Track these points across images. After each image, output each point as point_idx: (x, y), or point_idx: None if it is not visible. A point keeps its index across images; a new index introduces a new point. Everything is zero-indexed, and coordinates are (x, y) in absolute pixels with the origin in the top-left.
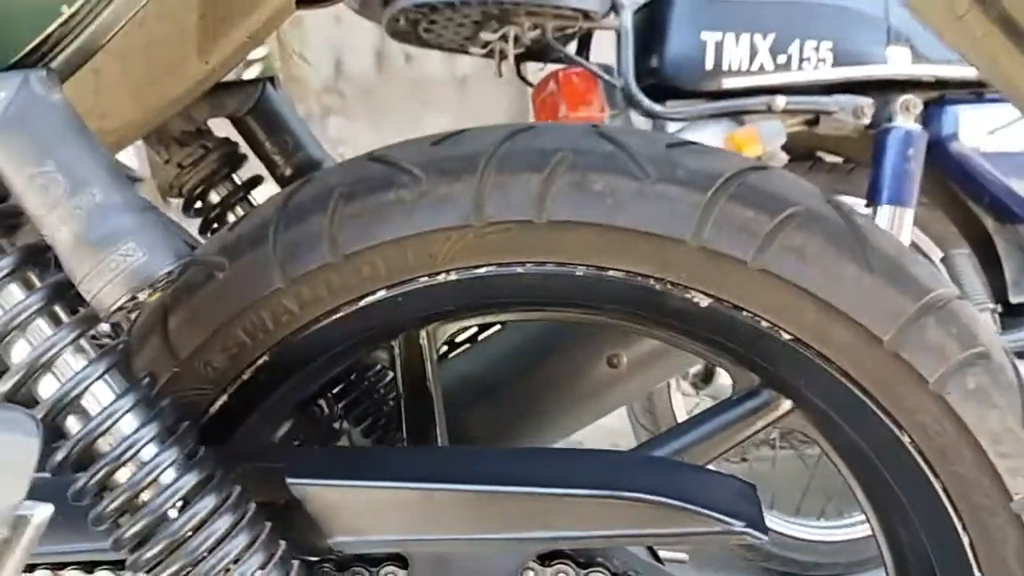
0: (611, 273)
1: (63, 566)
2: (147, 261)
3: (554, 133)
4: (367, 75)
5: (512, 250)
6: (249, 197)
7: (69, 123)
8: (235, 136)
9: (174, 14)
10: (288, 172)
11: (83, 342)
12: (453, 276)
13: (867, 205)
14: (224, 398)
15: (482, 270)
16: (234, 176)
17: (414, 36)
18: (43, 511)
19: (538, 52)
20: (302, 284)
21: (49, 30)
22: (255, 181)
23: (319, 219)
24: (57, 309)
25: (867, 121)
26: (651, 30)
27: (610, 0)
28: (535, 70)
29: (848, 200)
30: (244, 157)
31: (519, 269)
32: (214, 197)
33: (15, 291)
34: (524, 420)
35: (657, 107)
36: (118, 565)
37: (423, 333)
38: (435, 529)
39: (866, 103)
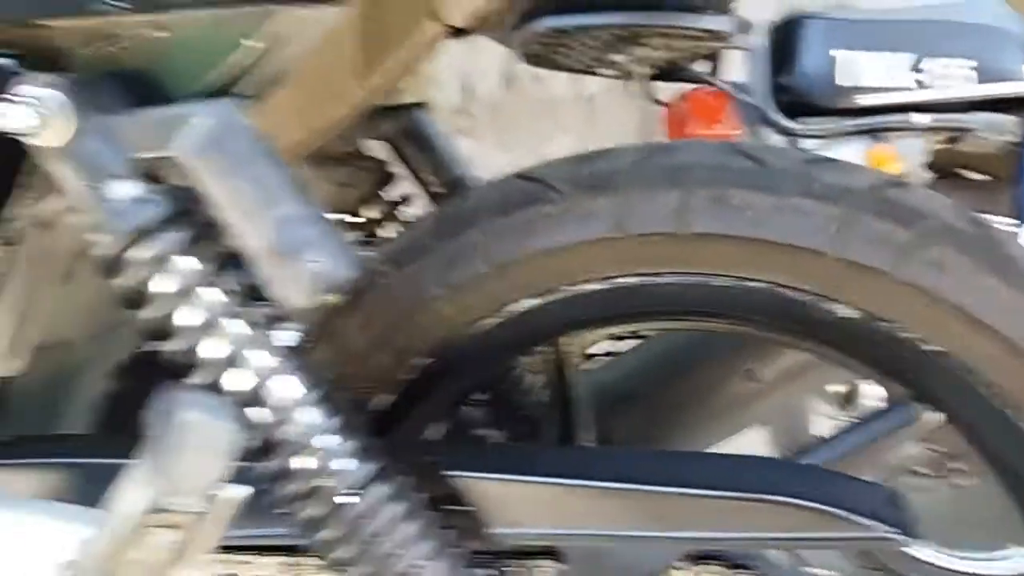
0: (752, 284)
1: (243, 549)
2: (331, 268)
3: (693, 149)
4: (495, 96)
5: (654, 261)
6: (397, 213)
7: (261, 146)
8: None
9: (338, 45)
10: (437, 190)
11: (270, 340)
12: (596, 286)
13: (1013, 223)
14: (384, 396)
15: (624, 280)
16: (384, 194)
17: (546, 59)
18: (236, 491)
19: (668, 72)
20: (459, 292)
21: (234, 61)
22: (404, 199)
23: (473, 232)
24: (247, 310)
25: (1011, 139)
26: (784, 48)
27: (742, 20)
28: (665, 89)
29: (992, 218)
30: (393, 176)
31: (661, 280)
32: (366, 213)
33: (210, 294)
34: (661, 430)
35: (792, 124)
36: (293, 549)
37: (567, 340)
38: (589, 525)
39: (1009, 121)
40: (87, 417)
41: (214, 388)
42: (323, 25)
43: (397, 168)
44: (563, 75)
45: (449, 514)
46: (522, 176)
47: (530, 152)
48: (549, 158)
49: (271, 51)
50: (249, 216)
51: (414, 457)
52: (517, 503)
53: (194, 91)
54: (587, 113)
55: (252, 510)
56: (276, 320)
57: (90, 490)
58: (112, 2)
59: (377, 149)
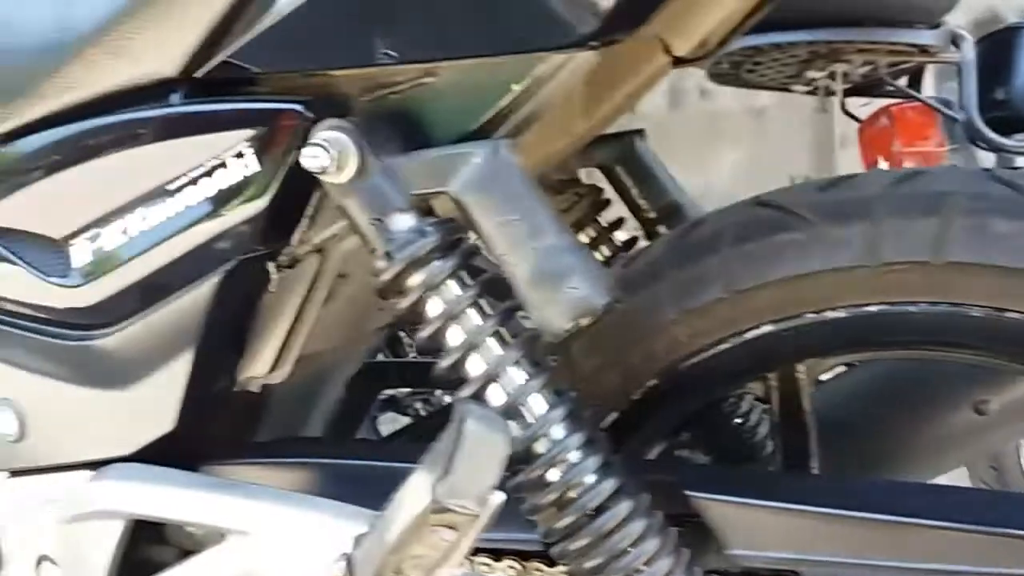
0: (1010, 315)
1: (483, 551)
2: (590, 295)
3: (946, 177)
4: (661, 111)
5: (905, 290)
6: (612, 238)
7: (526, 181)
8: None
9: (569, 83)
10: (653, 216)
11: (525, 360)
12: (841, 314)
13: None
14: (615, 415)
15: (871, 309)
16: (599, 219)
17: (735, 77)
18: (499, 497)
19: (866, 87)
20: (694, 316)
21: (501, 104)
22: (617, 224)
23: (712, 258)
24: (505, 332)
25: None
26: (996, 62)
27: (950, 33)
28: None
29: None
30: (608, 202)
31: (911, 308)
32: (581, 238)
33: (474, 316)
34: (886, 458)
35: (1005, 141)
36: (524, 554)
37: (801, 366)
38: (828, 552)
39: None
40: (324, 421)
41: (478, 400)
42: (578, 65)
43: (611, 194)
44: (730, 88)
45: (687, 533)
46: (762, 203)
47: (699, 166)
48: (721, 173)
49: (531, 92)
50: (516, 247)
51: (652, 475)
52: (757, 526)
53: (464, 131)
54: (757, 127)
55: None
56: (532, 341)
57: (343, 489)
58: (393, 53)
59: (594, 175)
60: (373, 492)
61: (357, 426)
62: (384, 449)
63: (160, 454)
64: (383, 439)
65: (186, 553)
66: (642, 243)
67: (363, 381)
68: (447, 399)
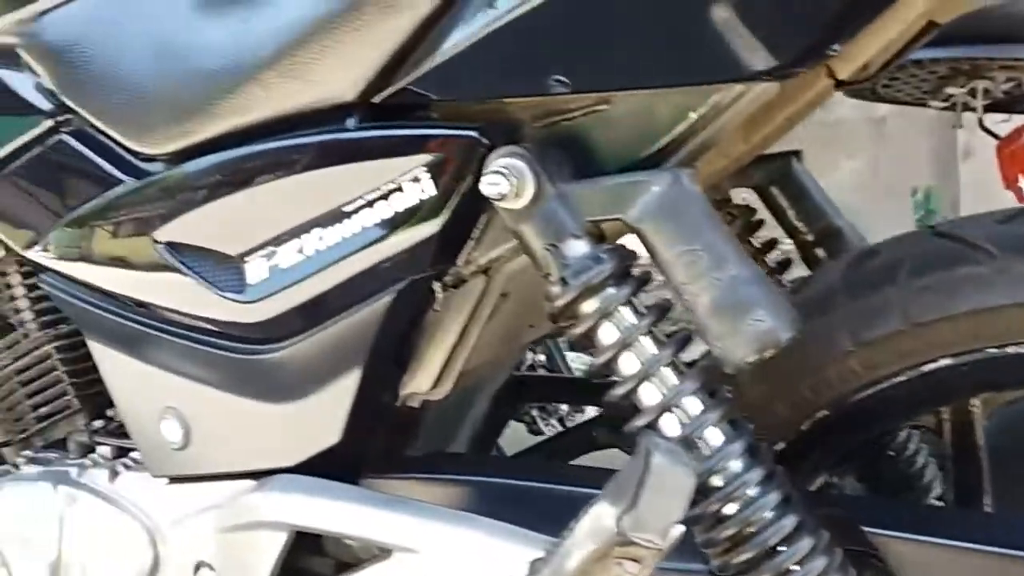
0: None
1: None
2: (775, 327)
3: None
4: None
5: None
6: (765, 260)
7: (708, 211)
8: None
9: (747, 111)
10: (810, 239)
11: (701, 390)
12: (1023, 349)
13: None
14: (781, 445)
15: None
16: (752, 240)
17: (868, 92)
18: (680, 530)
19: (1007, 104)
20: (869, 348)
21: (676, 132)
22: (771, 245)
23: (890, 289)
24: (679, 361)
25: None
26: None
27: None
28: (995, 121)
29: None
30: (762, 223)
31: None
32: None
33: (648, 344)
34: None
35: None
36: None
37: (976, 400)
38: None
39: None
40: (469, 434)
41: (653, 430)
42: (757, 95)
43: (764, 214)
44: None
45: (863, 570)
46: (940, 234)
47: (817, 177)
48: (840, 182)
49: (708, 119)
50: (697, 277)
51: (826, 508)
52: (936, 565)
53: (635, 158)
54: (876, 137)
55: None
56: (709, 371)
57: (502, 509)
58: (568, 81)
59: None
60: (536, 514)
61: (495, 439)
62: (544, 471)
63: (319, 466)
64: (529, 457)
65: (344, 566)
66: (796, 265)
67: (506, 395)
68: (573, 412)
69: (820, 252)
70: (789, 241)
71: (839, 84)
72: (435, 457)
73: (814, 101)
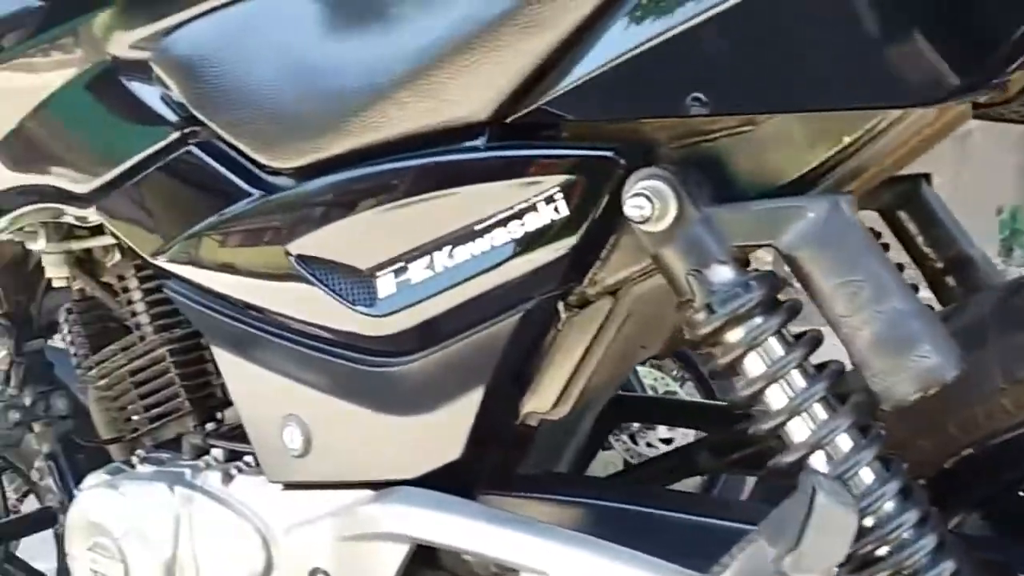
0: None
1: None
2: (940, 364)
3: None
4: None
5: None
6: None
7: (868, 239)
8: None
9: (902, 137)
10: (940, 267)
11: (854, 427)
12: None
13: None
14: (921, 482)
15: None
16: None
17: (999, 114)
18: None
19: None
20: (1022, 387)
21: (825, 156)
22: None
23: None
24: (831, 396)
25: None
26: None
27: None
28: None
29: None
30: (887, 248)
31: None
32: None
33: (798, 378)
34: None
35: None
36: None
37: None
38: None
39: None
40: (572, 453)
41: (799, 467)
42: (913, 121)
43: (889, 238)
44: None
45: None
46: None
47: None
48: None
49: (861, 144)
50: (858, 310)
51: (979, 553)
52: None
53: (780, 182)
54: (959, 151)
55: None
56: (861, 407)
57: (617, 533)
58: (709, 103)
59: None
60: (662, 543)
61: (592, 459)
62: (666, 498)
63: (436, 480)
64: (626, 480)
65: None
66: (923, 292)
67: (608, 415)
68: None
69: (950, 281)
70: (914, 266)
71: (976, 106)
72: (549, 476)
73: (950, 124)
